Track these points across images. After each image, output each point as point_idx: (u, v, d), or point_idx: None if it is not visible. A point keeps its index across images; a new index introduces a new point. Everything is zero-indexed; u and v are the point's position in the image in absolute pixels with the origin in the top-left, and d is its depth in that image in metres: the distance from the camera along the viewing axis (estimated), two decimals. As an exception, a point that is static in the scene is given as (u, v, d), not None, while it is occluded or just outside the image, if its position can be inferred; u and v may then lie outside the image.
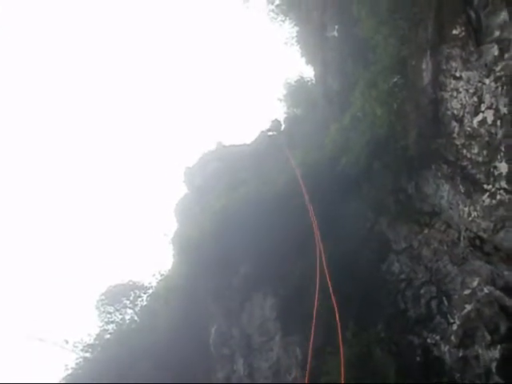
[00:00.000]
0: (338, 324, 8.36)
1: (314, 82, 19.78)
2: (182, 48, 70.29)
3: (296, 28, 20.00)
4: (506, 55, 6.82)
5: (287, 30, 20.67)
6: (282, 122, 20.95)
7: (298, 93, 21.05)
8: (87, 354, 18.03)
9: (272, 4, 20.44)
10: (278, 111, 22.97)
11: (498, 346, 7.13)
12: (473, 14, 7.46)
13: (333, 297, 9.07)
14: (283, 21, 20.61)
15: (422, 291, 9.03)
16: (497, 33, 7.03)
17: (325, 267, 10.10)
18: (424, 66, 9.19)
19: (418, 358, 8.47)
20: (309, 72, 20.83)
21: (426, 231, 9.50)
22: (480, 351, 7.38)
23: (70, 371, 17.66)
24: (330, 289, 9.28)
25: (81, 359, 17.95)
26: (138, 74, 71.04)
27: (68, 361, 18.09)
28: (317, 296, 9.41)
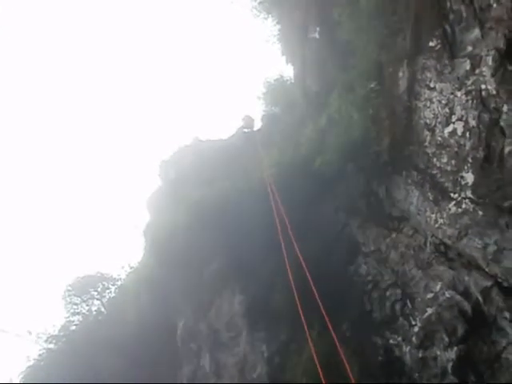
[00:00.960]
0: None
1: (293, 81, 19.88)
2: (162, 41, 69.06)
3: (278, 26, 20.00)
4: (477, 70, 7.10)
5: (269, 27, 20.62)
6: (260, 120, 21.00)
7: (276, 91, 21.04)
8: (51, 346, 17.68)
9: (255, 1, 20.32)
10: (257, 109, 22.95)
11: (455, 348, 7.49)
12: (448, 29, 7.73)
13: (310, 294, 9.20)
14: (266, 18, 20.50)
15: (387, 293, 9.31)
16: (469, 48, 7.32)
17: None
18: (400, 75, 9.44)
19: (380, 358, 8.75)
20: (289, 71, 20.89)
21: (394, 235, 9.78)
22: (438, 352, 7.72)
23: (31, 362, 17.30)
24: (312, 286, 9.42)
25: (44, 350, 17.60)
26: (114, 65, 69.44)
27: (30, 352, 17.74)
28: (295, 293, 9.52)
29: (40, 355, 17.52)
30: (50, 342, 17.77)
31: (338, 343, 7.96)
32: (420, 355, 8.02)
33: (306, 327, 8.66)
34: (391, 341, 8.75)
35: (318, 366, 7.71)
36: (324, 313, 8.78)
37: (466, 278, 7.81)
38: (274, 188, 12.84)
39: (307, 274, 9.83)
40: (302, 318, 8.96)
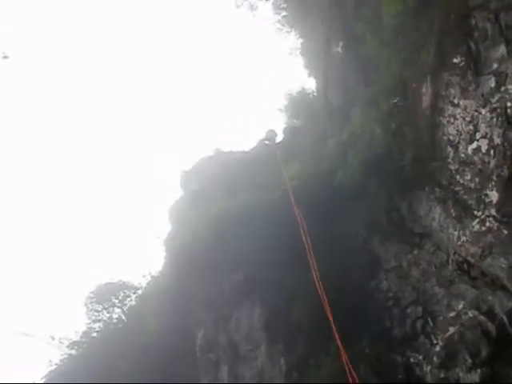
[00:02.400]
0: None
1: (315, 94, 19.97)
2: (184, 52, 70.15)
3: (301, 40, 20.24)
4: (502, 88, 7.05)
5: (292, 41, 20.91)
6: (282, 133, 21.08)
7: (298, 104, 21.08)
8: (72, 351, 18.03)
9: (279, 15, 20.66)
10: (279, 121, 23.06)
11: (479, 370, 7.32)
12: (473, 46, 7.71)
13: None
14: (289, 32, 20.82)
15: (408, 311, 9.20)
16: (495, 65, 7.28)
17: (316, 281, 10.25)
18: (424, 90, 9.42)
19: (400, 377, 8.62)
20: (311, 84, 21.01)
21: (415, 252, 9.68)
22: (461, 374, 7.56)
23: (53, 367, 17.65)
24: (327, 302, 9.43)
25: (66, 356, 17.94)
26: (138, 77, 70.80)
27: (53, 357, 18.12)
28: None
29: (62, 360, 17.87)
30: (72, 348, 18.12)
31: (349, 363, 7.91)
32: (442, 375, 7.88)
33: (336, 337, 8.59)
34: (411, 359, 8.62)
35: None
36: (335, 329, 8.75)
37: (490, 298, 7.66)
38: (295, 201, 12.87)
39: (324, 289, 9.84)
40: (334, 328, 8.90)
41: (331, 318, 9.01)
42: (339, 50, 14.93)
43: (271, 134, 20.47)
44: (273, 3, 20.36)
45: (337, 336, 8.64)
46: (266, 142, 20.42)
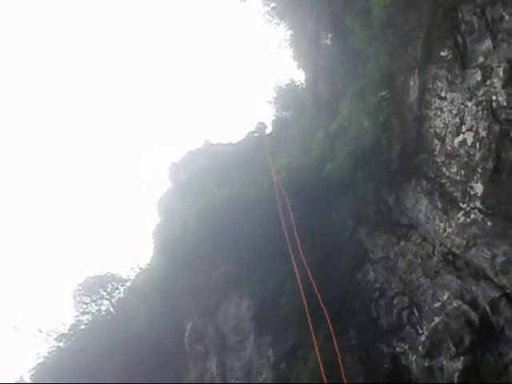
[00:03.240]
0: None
1: (304, 86, 19.92)
2: (173, 45, 69.54)
3: (290, 32, 20.10)
4: (488, 82, 7.12)
5: (281, 32, 20.75)
6: (271, 125, 21.07)
7: (287, 96, 21.10)
8: (60, 344, 17.96)
9: (268, 6, 20.49)
10: (268, 113, 23.03)
11: (461, 358, 7.46)
12: (460, 39, 7.75)
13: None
14: (278, 24, 20.65)
15: (394, 301, 9.32)
16: (481, 59, 7.34)
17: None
18: (411, 83, 9.47)
19: (386, 366, 8.75)
20: (300, 76, 20.96)
21: (402, 243, 9.79)
22: (444, 362, 7.70)
23: (41, 360, 17.57)
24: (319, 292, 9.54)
25: (54, 348, 17.86)
26: (127, 70, 70.07)
27: (41, 349, 18.04)
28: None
29: (50, 353, 17.80)
30: (60, 341, 18.05)
31: (339, 352, 8.01)
32: (426, 364, 8.01)
33: (312, 333, 8.72)
34: (397, 349, 8.75)
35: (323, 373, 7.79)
36: (328, 320, 8.86)
37: (474, 288, 7.79)
38: (283, 193, 12.91)
39: (312, 281, 9.93)
40: (310, 323, 9.02)
41: (309, 317, 9.17)
42: (328, 42, 14.86)
43: (261, 127, 20.44)
44: (262, -6, 20.16)
45: (314, 336, 8.80)
46: (256, 135, 20.40)
